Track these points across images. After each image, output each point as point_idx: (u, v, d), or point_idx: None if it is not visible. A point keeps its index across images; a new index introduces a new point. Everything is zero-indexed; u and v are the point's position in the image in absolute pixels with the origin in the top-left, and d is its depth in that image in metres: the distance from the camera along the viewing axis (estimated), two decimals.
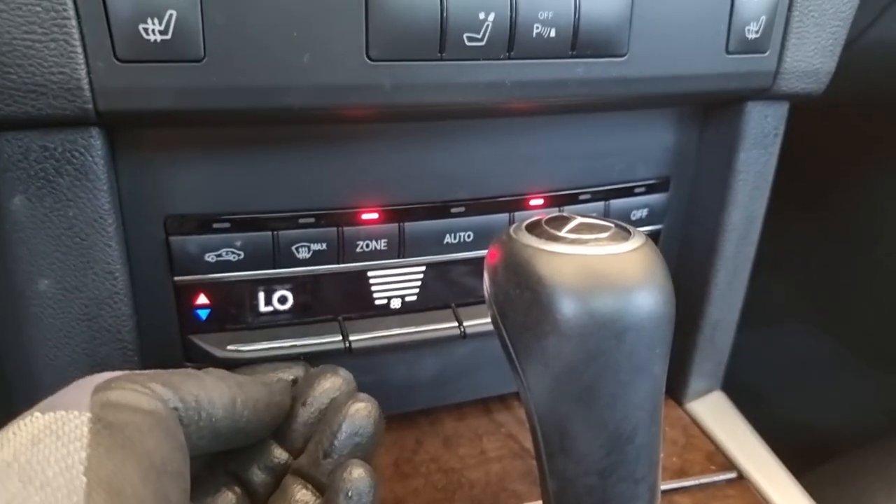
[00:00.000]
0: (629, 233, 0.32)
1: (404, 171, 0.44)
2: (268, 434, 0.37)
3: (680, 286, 0.55)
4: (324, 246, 0.44)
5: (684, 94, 0.45)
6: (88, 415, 0.25)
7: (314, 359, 0.45)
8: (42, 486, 0.22)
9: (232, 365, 0.43)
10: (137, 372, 0.30)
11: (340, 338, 0.46)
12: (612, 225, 0.33)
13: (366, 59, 0.36)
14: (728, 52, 0.44)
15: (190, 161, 0.40)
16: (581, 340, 0.30)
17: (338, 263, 0.45)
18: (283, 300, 0.45)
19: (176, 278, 0.42)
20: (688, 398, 0.59)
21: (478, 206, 0.47)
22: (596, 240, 0.31)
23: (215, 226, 0.42)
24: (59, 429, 0.24)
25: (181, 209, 0.41)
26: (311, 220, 0.43)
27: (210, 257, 0.42)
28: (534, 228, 0.32)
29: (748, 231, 0.54)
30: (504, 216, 0.48)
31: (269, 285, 0.44)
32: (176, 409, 0.29)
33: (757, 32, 0.44)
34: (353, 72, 0.36)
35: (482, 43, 0.37)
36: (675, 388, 0.59)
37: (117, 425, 0.25)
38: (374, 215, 0.45)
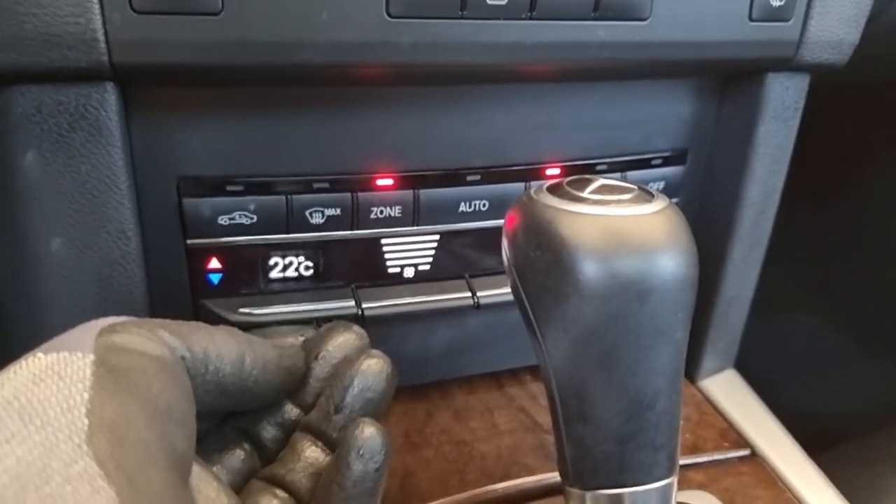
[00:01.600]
0: (652, 195, 0.32)
1: (419, 137, 0.44)
2: (278, 399, 0.36)
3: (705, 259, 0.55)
4: (338, 211, 0.43)
5: (706, 61, 0.44)
6: (92, 357, 0.24)
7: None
8: (43, 425, 0.21)
9: (244, 328, 0.43)
10: (145, 319, 0.29)
11: (353, 304, 0.45)
12: (634, 187, 0.32)
13: (385, 15, 0.35)
14: (751, 20, 0.43)
15: (204, 122, 0.40)
16: (603, 302, 0.29)
17: (351, 230, 0.44)
18: (296, 265, 0.44)
19: (188, 241, 0.42)
20: (701, 376, 0.58)
21: (493, 174, 0.46)
22: (619, 201, 0.31)
23: (229, 188, 0.41)
24: (61, 370, 0.23)
25: (194, 171, 0.40)
26: (326, 184, 0.43)
27: (223, 220, 0.41)
28: (555, 190, 0.32)
29: (766, 206, 0.53)
30: (520, 185, 0.47)
31: (282, 250, 0.43)
32: (183, 358, 0.29)
33: (781, 0, 0.43)
34: (372, 28, 0.35)
35: (504, 2, 0.36)
36: (689, 366, 0.58)
37: (122, 368, 0.25)
38: (389, 181, 0.44)
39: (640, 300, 0.29)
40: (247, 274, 0.44)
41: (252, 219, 0.42)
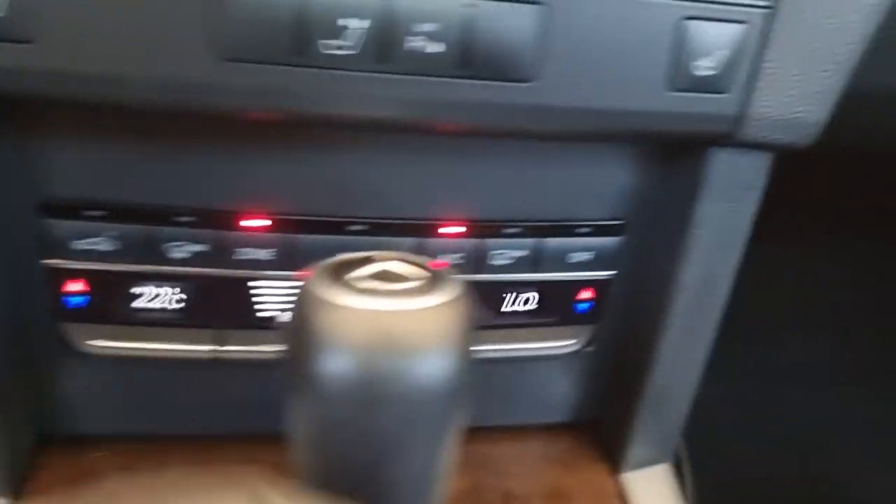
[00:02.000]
0: (439, 285, 0.28)
1: (298, 179, 0.41)
2: None
3: (627, 344, 0.50)
4: (203, 248, 0.41)
5: (613, 132, 0.39)
6: None
7: (185, 367, 0.43)
8: None
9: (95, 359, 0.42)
10: None
11: (212, 347, 0.43)
12: (427, 274, 0.29)
13: (215, 57, 0.33)
14: (673, 90, 0.38)
15: (67, 143, 0.39)
16: (328, 407, 0.26)
17: (216, 268, 0.42)
18: (157, 299, 0.43)
19: (43, 262, 0.41)
20: (626, 467, 0.52)
21: (380, 226, 0.43)
22: (392, 292, 0.27)
23: (88, 213, 0.40)
24: None
25: (55, 192, 0.40)
26: (191, 218, 0.41)
27: (80, 244, 0.40)
28: (333, 272, 0.29)
29: (707, 293, 0.47)
30: (411, 241, 0.43)
31: (142, 281, 0.42)
32: None
33: (713, 69, 0.38)
34: (200, 70, 0.33)
35: (352, 51, 0.33)
36: (613, 453, 0.53)
37: None
38: (260, 223, 0.42)
39: (368, 409, 0.26)
40: (106, 302, 0.42)
41: (112, 246, 0.41)
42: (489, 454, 0.52)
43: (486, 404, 0.52)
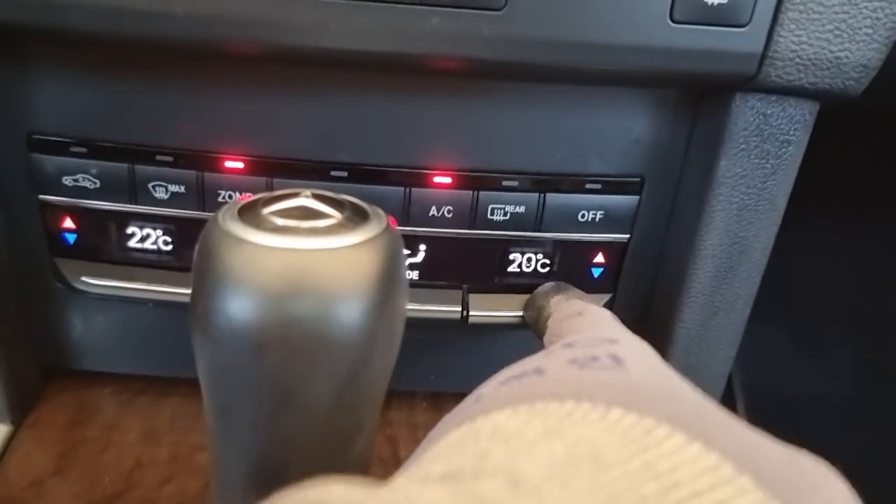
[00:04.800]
0: (361, 224, 0.25)
1: (277, 119, 0.39)
2: None
3: (648, 317, 0.45)
4: (182, 189, 0.41)
5: (605, 72, 0.35)
6: None
7: (170, 307, 0.43)
8: None
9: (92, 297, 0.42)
10: None
11: None
12: (344, 212, 0.26)
13: None
14: (677, 20, 0.33)
15: (53, 80, 0.39)
16: (218, 347, 0.24)
17: (198, 210, 0.41)
18: (143, 239, 0.42)
19: (40, 196, 0.41)
20: None
21: (363, 173, 0.40)
22: (307, 230, 0.25)
23: (73, 149, 0.40)
24: None
25: (44, 128, 0.40)
26: (170, 158, 0.40)
27: (68, 181, 0.41)
28: (247, 209, 0.26)
29: (736, 263, 0.41)
30: (397, 189, 0.41)
31: (126, 220, 0.42)
32: None
33: None
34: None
35: None
36: None
37: None
38: (240, 164, 0.40)
39: (256, 354, 0.24)
40: (96, 239, 0.42)
41: (95, 183, 0.41)
42: None
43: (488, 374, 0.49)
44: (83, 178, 0.40)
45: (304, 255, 0.23)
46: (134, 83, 0.39)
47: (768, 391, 0.87)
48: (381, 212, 0.27)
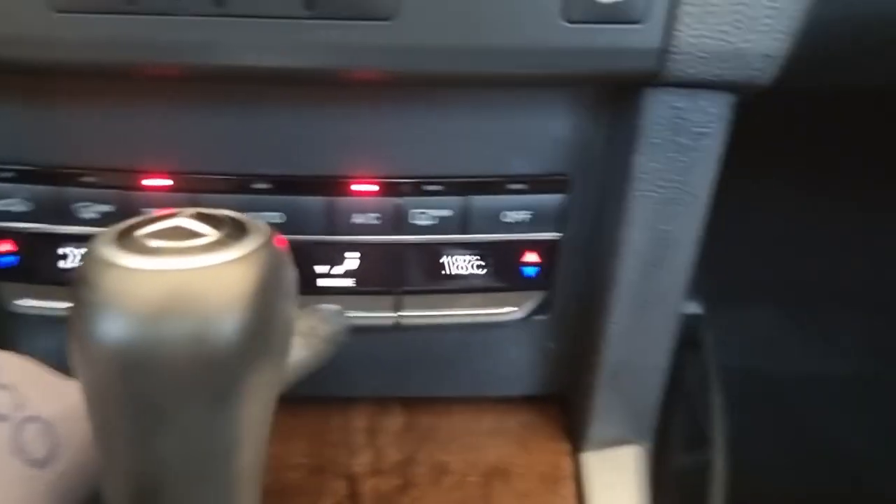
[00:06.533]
0: (233, 242, 0.26)
1: (196, 135, 0.40)
2: None
3: (581, 312, 0.45)
4: (112, 208, 0.41)
5: (503, 75, 0.35)
6: None
7: None
8: None
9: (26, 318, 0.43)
10: None
11: None
12: (220, 229, 0.26)
13: (48, 9, 0.32)
14: (571, 20, 0.33)
15: None
16: (90, 370, 0.25)
17: None
18: (77, 259, 0.43)
19: None
20: (589, 445, 0.48)
21: (285, 184, 0.41)
22: (182, 249, 0.25)
23: (2, 174, 0.41)
24: None
25: None
26: (94, 178, 0.41)
27: (2, 205, 0.41)
28: (125, 232, 0.27)
29: (661, 258, 0.41)
30: (318, 199, 0.41)
31: (58, 242, 0.42)
32: None
33: None
34: (34, 23, 0.32)
35: None
36: (574, 431, 0.49)
37: None
38: (163, 181, 0.41)
39: (121, 375, 0.24)
40: (34, 262, 0.43)
41: (29, 206, 0.41)
42: (432, 426, 0.49)
43: (432, 372, 0.49)
44: (15, 203, 0.41)
45: (167, 276, 0.24)
46: (55, 106, 0.39)
47: (761, 374, 0.87)
48: (264, 227, 0.27)
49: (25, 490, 0.29)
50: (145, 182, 0.40)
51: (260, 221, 0.27)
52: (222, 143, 0.40)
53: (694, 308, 0.94)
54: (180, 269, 0.24)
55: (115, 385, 0.24)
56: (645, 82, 0.36)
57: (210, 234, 0.26)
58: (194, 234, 0.26)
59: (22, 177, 0.41)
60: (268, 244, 0.26)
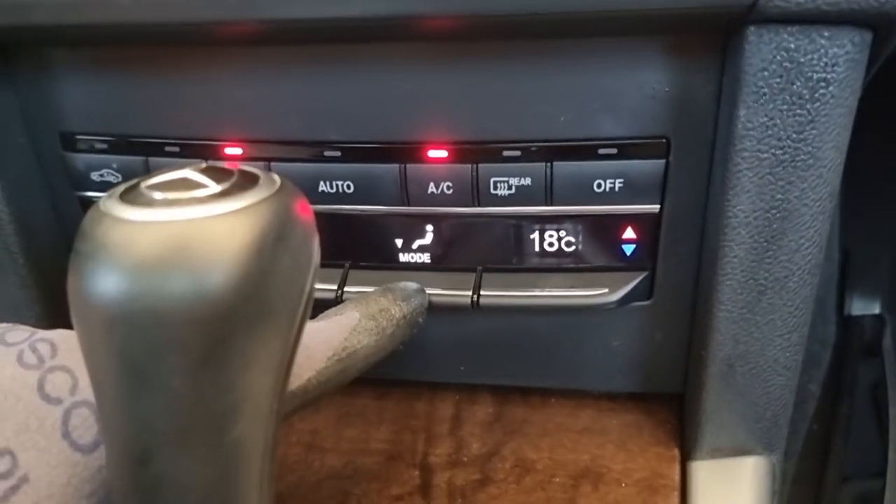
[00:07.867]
0: (237, 193, 0.24)
1: (269, 102, 0.39)
2: None
3: (691, 301, 0.40)
4: None
5: (586, 14, 0.31)
6: None
7: None
8: None
9: None
10: None
11: None
12: (228, 182, 0.25)
13: None
14: None
15: (76, 79, 0.41)
16: (82, 327, 0.24)
17: None
18: None
19: (77, 193, 0.44)
20: (700, 453, 0.41)
21: (355, 151, 0.39)
22: (186, 200, 0.24)
23: (96, 146, 0.42)
24: None
25: (72, 126, 0.42)
26: (177, 148, 0.41)
27: (95, 176, 0.43)
28: (131, 188, 0.26)
29: (780, 233, 0.35)
30: (392, 167, 0.39)
31: None
32: None
33: None
34: None
35: None
36: (684, 435, 0.42)
37: None
38: (238, 150, 0.40)
39: (107, 330, 0.23)
40: None
41: (117, 177, 0.43)
42: (523, 419, 0.45)
43: (522, 360, 0.45)
44: (107, 174, 0.42)
45: (156, 227, 0.22)
46: (138, 76, 0.40)
47: None
48: (276, 180, 0.25)
49: (70, 474, 0.29)
50: (222, 150, 0.40)
51: (277, 177, 0.25)
52: (293, 108, 0.39)
53: (872, 309, 0.82)
54: (170, 221, 0.22)
55: (103, 340, 0.23)
56: (742, 17, 0.30)
57: (212, 186, 0.24)
58: (199, 187, 0.25)
59: (112, 147, 0.42)
60: (272, 199, 0.24)
